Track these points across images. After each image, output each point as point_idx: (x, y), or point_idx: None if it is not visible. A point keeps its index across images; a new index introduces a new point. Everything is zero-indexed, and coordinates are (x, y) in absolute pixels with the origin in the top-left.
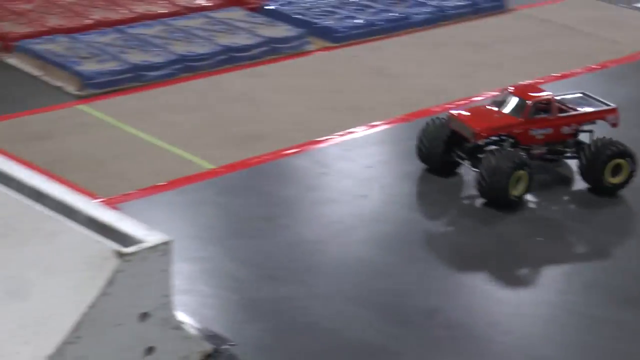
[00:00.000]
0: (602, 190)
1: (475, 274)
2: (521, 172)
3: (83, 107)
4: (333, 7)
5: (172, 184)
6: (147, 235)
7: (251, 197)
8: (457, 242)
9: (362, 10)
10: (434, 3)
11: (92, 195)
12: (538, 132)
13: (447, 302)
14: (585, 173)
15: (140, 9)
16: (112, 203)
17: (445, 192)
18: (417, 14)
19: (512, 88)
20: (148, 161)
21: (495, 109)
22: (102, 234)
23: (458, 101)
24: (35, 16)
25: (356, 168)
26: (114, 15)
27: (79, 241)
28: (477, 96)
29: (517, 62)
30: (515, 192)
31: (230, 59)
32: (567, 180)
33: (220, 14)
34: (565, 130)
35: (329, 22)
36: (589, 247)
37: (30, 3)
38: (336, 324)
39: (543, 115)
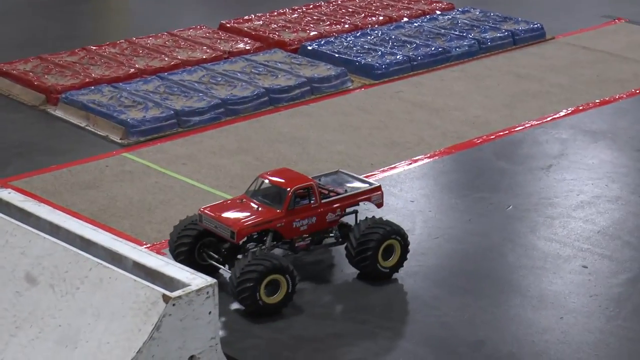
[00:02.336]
0: (373, 275)
1: (519, 303)
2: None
3: (128, 155)
4: (372, 44)
5: None
6: (193, 278)
7: None
8: (499, 272)
9: (401, 46)
10: (473, 35)
11: (138, 241)
12: (301, 223)
13: (494, 333)
14: (354, 258)
15: (182, 55)
16: (158, 248)
17: (487, 224)
18: (457, 47)
19: (267, 175)
20: (193, 205)
21: (248, 200)
22: (149, 279)
23: (501, 131)
24: (79, 68)
25: (400, 203)
26: (156, 63)
27: (127, 287)
28: (519, 126)
29: (559, 91)
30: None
31: (272, 100)
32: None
33: (260, 57)
34: (331, 217)
35: (368, 59)
36: (635, 271)
37: (73, 55)
38: (385, 358)
39: (306, 204)
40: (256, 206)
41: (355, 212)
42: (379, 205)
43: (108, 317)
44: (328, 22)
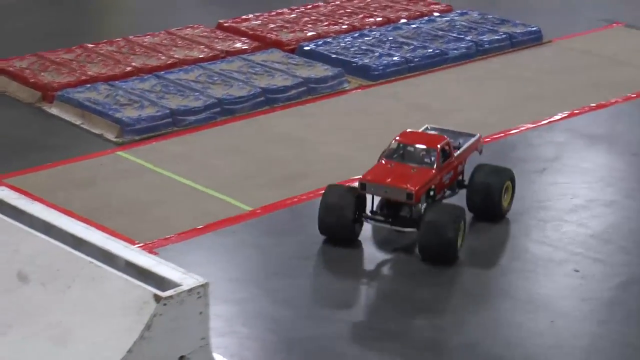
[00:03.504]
0: (495, 216)
1: (511, 307)
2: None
3: (123, 154)
4: (370, 45)
5: (211, 227)
6: (184, 278)
7: (291, 237)
8: (490, 274)
9: (399, 47)
10: (470, 38)
11: (131, 240)
12: (446, 178)
13: (485, 337)
14: (480, 205)
15: (179, 54)
16: (151, 248)
17: (480, 226)
18: (454, 49)
19: (405, 137)
20: (188, 205)
21: (396, 163)
22: (141, 278)
23: (497, 134)
24: (75, 65)
25: None
26: (153, 62)
27: (118, 286)
28: (514, 129)
29: (557, 94)
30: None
31: (269, 100)
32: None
33: (257, 57)
34: (460, 168)
35: (365, 60)
36: (627, 275)
37: (70, 53)
38: None
39: (446, 160)
40: (412, 168)
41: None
42: (481, 152)
43: (99, 316)
44: (326, 23)
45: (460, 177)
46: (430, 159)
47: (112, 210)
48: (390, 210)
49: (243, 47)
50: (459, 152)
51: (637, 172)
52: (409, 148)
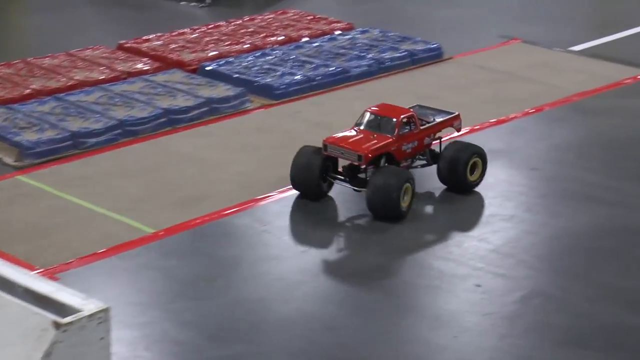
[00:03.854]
0: (462, 189)
1: (416, 323)
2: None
3: (22, 178)
4: (272, 64)
5: (113, 250)
6: (85, 304)
7: (192, 259)
8: (396, 288)
9: (301, 66)
10: (372, 55)
11: (31, 266)
12: (407, 147)
13: (392, 353)
14: (447, 175)
15: (80, 76)
16: (51, 273)
17: (386, 243)
18: (356, 67)
19: (376, 108)
20: (89, 229)
21: (360, 130)
22: (40, 305)
23: None
24: None
25: (296, 224)
26: (53, 84)
27: (16, 314)
28: None
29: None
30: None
31: (171, 121)
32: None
33: (159, 77)
34: (426, 141)
35: (268, 79)
36: (528, 289)
37: None
38: None
39: (409, 131)
40: (372, 135)
41: (440, 137)
42: (459, 129)
43: None
44: (228, 42)
45: (435, 150)
46: (392, 128)
47: (11, 235)
48: (350, 171)
49: (144, 68)
50: (427, 125)
51: (536, 186)
52: (376, 117)
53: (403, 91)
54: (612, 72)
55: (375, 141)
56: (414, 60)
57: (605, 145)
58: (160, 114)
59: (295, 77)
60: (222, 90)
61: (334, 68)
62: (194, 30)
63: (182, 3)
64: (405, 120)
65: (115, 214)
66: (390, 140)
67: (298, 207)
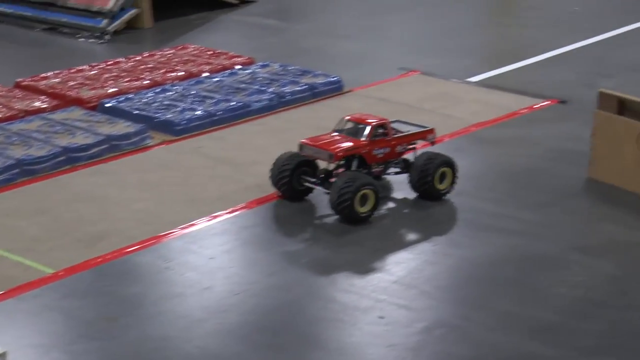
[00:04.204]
0: (431, 197)
1: (321, 357)
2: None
3: None
4: (172, 100)
5: (12, 292)
6: None
7: (94, 299)
8: (301, 326)
9: (201, 101)
10: (272, 89)
11: None
12: (379, 152)
13: None
14: (417, 184)
15: None
16: None
17: (289, 277)
18: (256, 101)
19: (354, 116)
20: None
21: (339, 135)
22: None
23: None
24: None
25: (200, 260)
26: None
27: None
28: None
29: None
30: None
31: (70, 159)
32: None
33: (58, 115)
34: (398, 149)
35: (168, 115)
36: (431, 319)
37: None
38: None
39: (382, 137)
40: (347, 138)
41: (414, 148)
42: (433, 143)
43: None
44: (127, 79)
45: (409, 160)
46: (364, 134)
47: None
48: (325, 175)
49: (42, 106)
50: (400, 134)
51: (436, 217)
52: (355, 124)
53: (304, 124)
54: (508, 102)
55: (348, 143)
56: (315, 94)
57: (503, 175)
58: (58, 153)
59: (196, 113)
60: (122, 127)
61: (234, 103)
62: (93, 67)
63: (80, 39)
64: (377, 126)
65: (14, 255)
66: (362, 143)
67: (202, 243)
